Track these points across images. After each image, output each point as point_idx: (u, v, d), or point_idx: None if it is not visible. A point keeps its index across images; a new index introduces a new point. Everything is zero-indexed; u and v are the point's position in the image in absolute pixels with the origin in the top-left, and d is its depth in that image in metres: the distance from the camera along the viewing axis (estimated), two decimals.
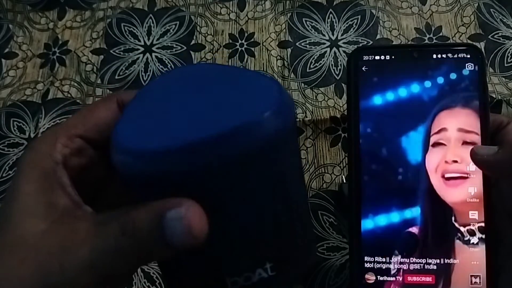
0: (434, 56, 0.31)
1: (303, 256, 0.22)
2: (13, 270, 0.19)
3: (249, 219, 0.19)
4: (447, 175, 0.30)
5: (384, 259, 0.30)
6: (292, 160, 0.21)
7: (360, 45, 0.52)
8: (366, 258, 0.30)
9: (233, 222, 0.19)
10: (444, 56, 0.31)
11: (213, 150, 0.17)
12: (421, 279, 0.30)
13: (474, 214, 0.30)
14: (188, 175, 0.17)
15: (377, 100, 0.31)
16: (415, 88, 0.31)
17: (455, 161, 0.30)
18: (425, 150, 0.31)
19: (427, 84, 0.31)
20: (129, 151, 0.18)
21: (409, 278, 0.30)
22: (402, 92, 0.31)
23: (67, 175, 0.21)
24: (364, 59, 0.32)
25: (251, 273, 0.20)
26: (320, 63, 0.51)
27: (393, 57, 0.32)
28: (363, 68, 0.32)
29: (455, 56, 0.31)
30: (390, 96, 0.31)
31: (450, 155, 0.30)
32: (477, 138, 0.30)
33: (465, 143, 0.30)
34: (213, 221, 0.18)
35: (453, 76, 0.31)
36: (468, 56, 0.31)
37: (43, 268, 0.18)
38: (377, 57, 0.32)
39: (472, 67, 0.31)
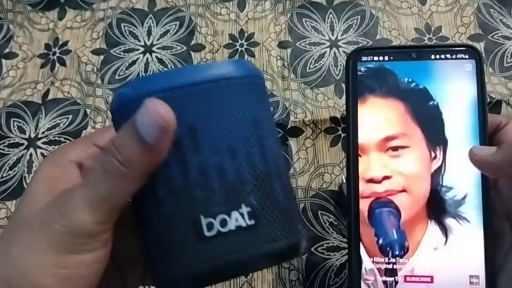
0: (433, 56, 0.31)
1: (285, 218, 0.21)
2: (19, 246, 0.20)
3: (222, 151, 0.20)
4: None
5: (383, 259, 0.30)
6: (264, 113, 0.22)
7: (360, 45, 0.52)
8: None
9: (206, 151, 0.20)
10: (442, 56, 0.31)
11: (187, 76, 0.21)
12: (420, 279, 0.30)
13: (466, 214, 0.30)
14: (167, 95, 0.20)
15: (376, 100, 0.31)
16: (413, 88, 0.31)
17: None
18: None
19: (426, 84, 0.31)
20: (121, 88, 0.22)
21: (408, 278, 0.30)
22: (401, 92, 0.31)
23: (79, 173, 0.24)
24: (363, 59, 0.32)
25: (226, 215, 0.20)
26: (320, 63, 0.52)
27: (391, 57, 0.32)
28: (362, 69, 0.32)
29: (454, 56, 0.31)
30: (389, 96, 0.31)
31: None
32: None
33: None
34: (186, 149, 0.20)
35: (451, 76, 0.31)
36: (467, 56, 0.31)
37: (46, 221, 0.20)
38: (375, 58, 0.32)
39: (470, 68, 0.31)
